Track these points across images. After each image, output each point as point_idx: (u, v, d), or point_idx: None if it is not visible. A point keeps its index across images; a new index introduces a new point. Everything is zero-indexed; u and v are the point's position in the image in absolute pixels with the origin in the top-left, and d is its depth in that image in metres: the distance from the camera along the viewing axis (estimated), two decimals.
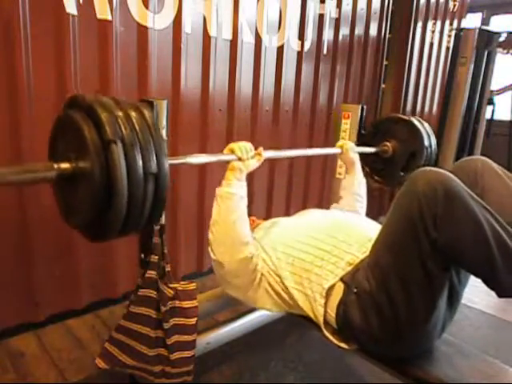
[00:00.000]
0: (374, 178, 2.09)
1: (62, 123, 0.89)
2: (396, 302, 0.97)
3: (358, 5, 2.74)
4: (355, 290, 1.04)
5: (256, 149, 1.26)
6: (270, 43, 2.28)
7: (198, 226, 2.19)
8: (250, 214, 1.29)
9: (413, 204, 0.91)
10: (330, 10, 2.56)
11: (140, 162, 0.80)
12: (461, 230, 0.88)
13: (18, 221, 1.58)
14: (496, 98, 3.59)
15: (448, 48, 3.66)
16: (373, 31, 2.96)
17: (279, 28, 2.30)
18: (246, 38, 2.15)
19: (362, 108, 2.06)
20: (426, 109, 3.70)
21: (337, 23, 2.64)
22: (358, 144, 1.96)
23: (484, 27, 3.39)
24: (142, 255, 1.28)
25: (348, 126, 2.11)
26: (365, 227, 1.26)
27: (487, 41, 3.31)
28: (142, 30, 1.74)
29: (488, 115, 3.57)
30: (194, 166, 2.04)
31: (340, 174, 2.13)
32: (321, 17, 2.51)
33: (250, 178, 2.39)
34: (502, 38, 3.43)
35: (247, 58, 2.19)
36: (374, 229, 1.17)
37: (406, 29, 3.20)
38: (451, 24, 3.64)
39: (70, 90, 1.56)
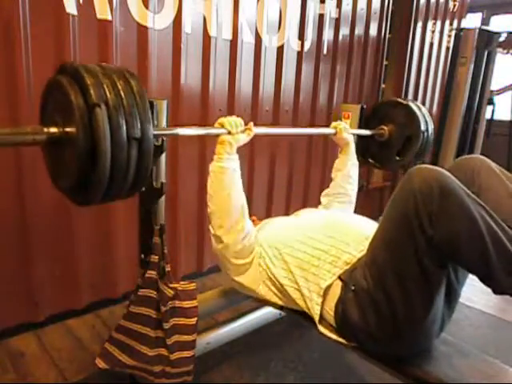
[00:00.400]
0: (369, 161, 2.10)
1: (51, 88, 0.91)
2: (393, 300, 0.97)
3: (358, 5, 2.74)
4: (353, 288, 1.05)
5: (246, 124, 1.27)
6: (270, 43, 2.28)
7: (197, 226, 2.19)
8: (250, 214, 1.30)
9: (408, 201, 0.92)
10: (330, 9, 2.56)
11: (124, 127, 0.83)
12: (456, 227, 0.89)
13: (17, 221, 1.58)
14: (496, 98, 3.60)
15: (448, 48, 3.66)
16: (373, 31, 2.95)
17: (279, 28, 2.30)
18: (246, 38, 2.15)
19: (362, 108, 2.06)
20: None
21: (337, 23, 2.64)
22: (358, 142, 1.97)
23: (484, 27, 3.40)
24: (142, 255, 1.28)
25: (348, 125, 2.11)
26: (361, 226, 1.27)
27: (487, 41, 3.31)
28: (142, 30, 1.74)
29: (488, 115, 3.57)
30: (194, 166, 2.05)
31: None
32: (321, 17, 2.51)
33: (250, 178, 2.41)
34: (502, 38, 3.43)
35: (247, 58, 2.19)
36: (370, 227, 1.18)
37: (405, 29, 3.20)
38: (451, 24, 3.64)
39: None
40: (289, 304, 1.24)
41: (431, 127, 1.93)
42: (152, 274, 1.24)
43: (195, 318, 1.26)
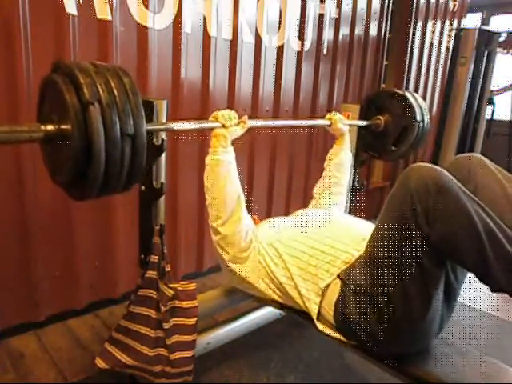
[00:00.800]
0: (365, 151, 2.09)
1: (46, 87, 0.93)
2: (392, 298, 0.98)
3: (357, 5, 2.74)
4: (352, 287, 1.05)
5: (240, 117, 1.28)
6: (270, 43, 2.28)
7: (197, 226, 2.19)
8: (251, 214, 1.30)
9: (405, 200, 0.93)
10: (330, 10, 2.56)
11: (117, 124, 0.84)
12: (453, 225, 0.89)
13: (18, 221, 1.58)
14: (496, 98, 3.60)
15: (448, 48, 3.66)
16: (373, 31, 2.96)
17: (279, 28, 2.30)
18: (246, 38, 2.15)
19: (362, 108, 2.06)
20: None
21: (337, 23, 2.64)
22: (358, 142, 1.98)
23: (484, 27, 3.40)
24: (142, 255, 1.28)
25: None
26: (359, 227, 1.28)
27: (487, 41, 3.32)
28: (142, 30, 1.74)
29: (488, 115, 3.58)
30: (195, 166, 2.04)
31: None
32: (321, 17, 2.51)
33: (250, 178, 2.41)
34: (502, 38, 3.44)
35: (247, 57, 2.19)
36: (368, 228, 1.19)
37: (405, 29, 3.20)
38: (451, 24, 3.64)
39: None
40: (288, 302, 1.25)
41: (427, 118, 1.92)
42: (152, 274, 1.24)
43: (195, 318, 1.26)
